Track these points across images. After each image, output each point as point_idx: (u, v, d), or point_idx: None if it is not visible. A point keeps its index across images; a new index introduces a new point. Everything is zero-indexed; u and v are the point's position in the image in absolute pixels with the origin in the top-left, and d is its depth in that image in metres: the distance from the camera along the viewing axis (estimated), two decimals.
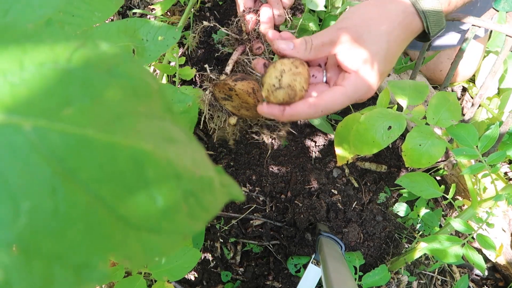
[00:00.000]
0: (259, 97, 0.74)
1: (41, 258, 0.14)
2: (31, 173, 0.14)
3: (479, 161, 0.80)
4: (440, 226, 1.11)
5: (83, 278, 0.15)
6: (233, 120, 0.82)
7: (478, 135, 0.80)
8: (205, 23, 0.82)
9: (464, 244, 0.81)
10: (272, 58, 0.79)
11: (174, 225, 0.17)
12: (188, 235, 0.18)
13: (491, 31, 1.19)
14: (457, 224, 0.81)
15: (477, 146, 0.80)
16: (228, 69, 0.77)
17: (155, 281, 0.81)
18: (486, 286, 1.15)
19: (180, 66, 1.05)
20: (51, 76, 0.16)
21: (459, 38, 1.12)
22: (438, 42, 1.12)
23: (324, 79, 0.66)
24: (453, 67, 0.98)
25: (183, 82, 1.29)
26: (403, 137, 1.18)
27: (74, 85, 0.16)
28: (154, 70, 1.20)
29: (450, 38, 1.11)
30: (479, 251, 1.15)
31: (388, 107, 0.83)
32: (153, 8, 1.39)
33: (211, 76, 0.77)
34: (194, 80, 1.30)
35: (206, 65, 0.82)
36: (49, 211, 0.14)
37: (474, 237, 0.82)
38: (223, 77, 0.76)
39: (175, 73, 1.04)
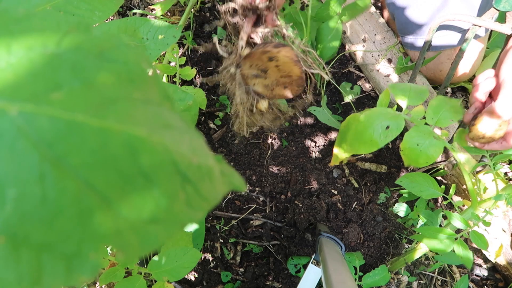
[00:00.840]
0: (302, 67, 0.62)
1: (29, 247, 0.14)
2: (18, 159, 0.14)
3: (483, 159, 0.80)
4: (440, 226, 1.11)
5: (73, 268, 0.14)
6: (264, 104, 0.66)
7: None
8: None
9: (457, 239, 0.80)
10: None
11: (171, 214, 0.17)
12: (186, 225, 0.17)
13: (491, 31, 1.19)
14: (456, 220, 0.81)
15: None
16: (241, 43, 0.63)
17: (155, 281, 0.81)
18: (486, 286, 1.14)
19: (181, 66, 1.05)
20: (39, 60, 0.16)
21: (460, 38, 1.12)
22: (439, 42, 1.12)
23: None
24: (453, 67, 0.98)
25: (183, 82, 1.29)
26: (403, 137, 1.18)
27: (64, 69, 0.16)
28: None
29: (451, 38, 1.11)
30: (479, 251, 1.14)
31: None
32: (153, 9, 1.38)
33: (241, 45, 0.61)
34: (194, 80, 1.30)
35: (214, 38, 0.64)
36: (37, 198, 0.14)
37: (469, 234, 0.82)
38: (244, 50, 0.62)
39: (176, 73, 1.04)
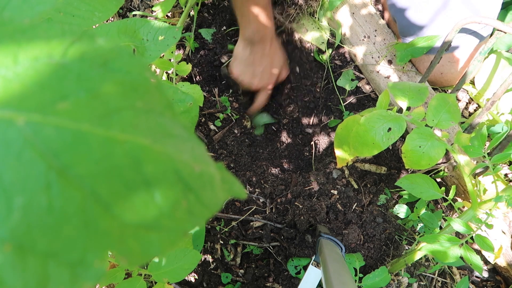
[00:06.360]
0: None
1: (35, 255, 0.14)
2: (25, 168, 0.14)
3: (483, 161, 0.80)
4: (440, 228, 1.11)
5: (78, 275, 0.14)
6: None
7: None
8: None
9: (463, 244, 0.80)
10: None
11: (173, 222, 0.17)
12: (188, 232, 0.17)
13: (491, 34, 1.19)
14: (457, 225, 0.81)
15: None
16: None
17: (155, 282, 0.81)
18: None
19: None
20: (45, 70, 0.16)
21: (464, 41, 1.12)
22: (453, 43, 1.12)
23: None
24: (470, 70, 0.99)
25: (181, 79, 1.29)
26: (403, 138, 1.18)
27: (69, 79, 0.16)
28: (154, 69, 1.20)
29: (455, 41, 1.11)
30: (479, 252, 1.15)
31: (388, 109, 0.83)
32: (153, 10, 1.38)
33: None
34: (193, 79, 1.30)
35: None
36: (44, 207, 0.14)
37: (474, 238, 0.82)
38: None
39: (172, 70, 1.05)
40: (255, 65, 1.15)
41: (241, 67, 1.17)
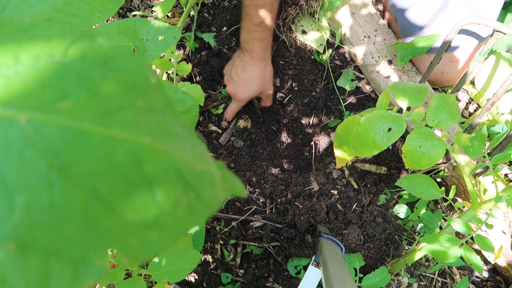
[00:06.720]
0: None
1: (37, 253, 0.14)
2: (26, 167, 0.14)
3: (483, 161, 0.80)
4: (440, 228, 1.11)
5: (79, 273, 0.14)
6: None
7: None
8: None
9: (463, 244, 0.80)
10: None
11: (174, 220, 0.17)
12: (188, 231, 0.18)
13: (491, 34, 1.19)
14: (457, 225, 0.81)
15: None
16: None
17: (155, 283, 0.81)
18: None
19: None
20: (46, 69, 0.16)
21: (463, 41, 1.12)
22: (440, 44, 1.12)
23: None
24: (470, 71, 0.99)
25: (181, 79, 1.29)
26: (403, 138, 1.18)
27: (70, 78, 0.16)
28: (155, 69, 1.19)
29: (455, 41, 1.11)
30: (479, 252, 1.15)
31: (388, 109, 0.83)
32: (153, 10, 1.39)
33: None
34: (193, 79, 1.30)
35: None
36: (45, 205, 0.14)
37: (474, 238, 0.82)
38: None
39: (172, 70, 1.05)
40: (234, 70, 1.17)
41: (228, 64, 1.22)
